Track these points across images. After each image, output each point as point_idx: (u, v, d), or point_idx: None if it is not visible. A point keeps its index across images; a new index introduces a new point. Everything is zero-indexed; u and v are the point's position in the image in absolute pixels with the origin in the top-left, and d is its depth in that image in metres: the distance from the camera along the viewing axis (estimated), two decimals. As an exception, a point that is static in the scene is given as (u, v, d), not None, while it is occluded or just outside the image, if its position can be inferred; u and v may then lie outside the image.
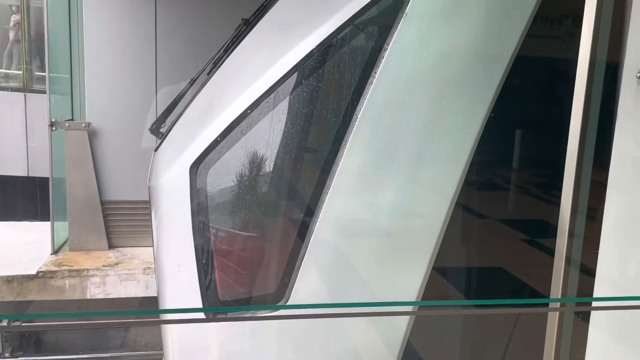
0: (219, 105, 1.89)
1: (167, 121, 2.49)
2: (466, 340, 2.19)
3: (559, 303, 1.50)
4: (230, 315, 1.86)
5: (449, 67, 1.81)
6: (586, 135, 1.50)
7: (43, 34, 5.16)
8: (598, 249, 1.44)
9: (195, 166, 1.77)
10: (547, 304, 1.57)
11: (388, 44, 1.75)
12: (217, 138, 1.76)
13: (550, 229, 1.88)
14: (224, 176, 1.81)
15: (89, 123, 5.31)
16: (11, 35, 8.33)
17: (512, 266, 2.38)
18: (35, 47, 7.94)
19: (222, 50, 2.50)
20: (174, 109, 2.51)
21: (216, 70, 2.25)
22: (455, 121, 1.83)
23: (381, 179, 1.77)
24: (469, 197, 1.94)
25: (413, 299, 1.85)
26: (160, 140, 2.32)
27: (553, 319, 1.52)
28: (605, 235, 1.40)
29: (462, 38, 1.81)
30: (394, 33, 1.76)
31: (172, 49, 5.36)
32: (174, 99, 2.62)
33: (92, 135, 5.34)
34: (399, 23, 1.76)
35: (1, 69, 8.38)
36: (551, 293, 1.53)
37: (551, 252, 1.64)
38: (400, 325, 1.84)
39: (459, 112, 1.84)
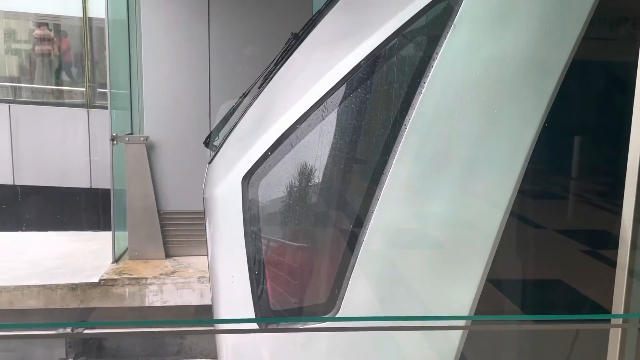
0: (269, 119, 1.93)
1: (220, 134, 2.56)
2: (523, 355, 2.12)
3: (621, 319, 1.44)
4: (281, 325, 1.89)
5: (500, 75, 1.78)
6: (648, 142, 1.44)
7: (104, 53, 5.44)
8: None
9: (247, 178, 1.81)
10: (608, 320, 1.50)
11: (437, 53, 1.74)
12: (268, 150, 1.80)
13: (609, 239, 1.80)
14: (274, 187, 1.85)
15: (147, 137, 5.52)
16: (37, 49, 8.64)
17: (572, 279, 2.28)
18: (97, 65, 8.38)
19: (272, 65, 2.56)
20: (227, 123, 2.59)
21: (267, 84, 2.30)
22: (508, 130, 1.80)
23: (431, 189, 1.76)
24: (524, 206, 1.89)
25: (466, 312, 1.81)
26: (214, 153, 2.40)
27: (615, 335, 1.45)
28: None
29: (514, 45, 1.77)
30: (443, 42, 1.75)
31: (225, 64, 5.51)
32: (227, 113, 2.69)
33: (150, 148, 5.55)
34: (448, 32, 1.74)
35: (68, 86, 8.87)
36: (613, 307, 1.47)
37: (612, 264, 1.57)
38: (453, 340, 1.80)
39: (511, 121, 1.80)
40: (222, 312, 1.87)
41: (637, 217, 1.48)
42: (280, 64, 2.36)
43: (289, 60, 2.26)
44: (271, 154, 1.80)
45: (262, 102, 2.19)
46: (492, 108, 1.78)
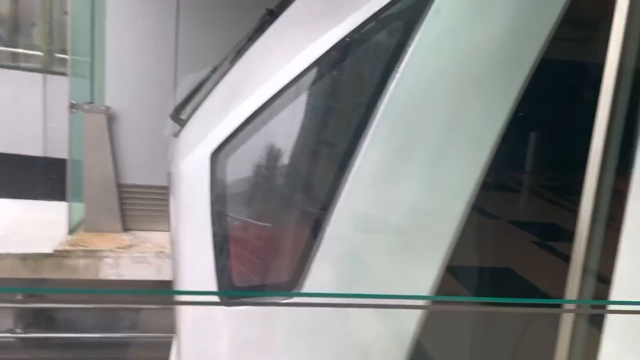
0: (241, 94, 1.90)
1: (188, 107, 2.50)
2: (476, 342, 2.19)
3: (574, 305, 1.50)
4: (243, 300, 1.89)
5: (472, 67, 1.80)
6: (610, 141, 1.49)
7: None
8: (614, 258, 1.43)
9: (216, 154, 1.79)
10: (561, 305, 1.57)
11: (413, 40, 1.74)
12: (238, 127, 1.78)
13: (562, 233, 1.87)
14: (244, 165, 1.83)
15: (109, 107, 5.36)
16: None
17: (522, 268, 2.37)
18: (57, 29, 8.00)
19: (245, 40, 2.51)
20: (195, 96, 2.53)
21: (239, 59, 2.26)
22: (476, 122, 1.83)
23: (400, 175, 1.78)
24: (485, 198, 1.93)
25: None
26: (180, 127, 2.35)
27: (567, 321, 1.52)
28: (625, 243, 1.39)
29: (487, 38, 1.79)
30: (418, 30, 1.75)
31: (195, 35, 5.39)
32: (196, 86, 2.64)
33: (111, 119, 5.40)
34: (424, 20, 1.75)
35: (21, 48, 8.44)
36: (566, 295, 1.53)
37: (560, 255, 1.63)
38: (410, 322, 1.85)
39: (480, 113, 1.83)
40: (183, 288, 1.85)
41: (594, 213, 1.54)
42: (253, 40, 2.32)
43: (263, 36, 2.23)
44: (242, 130, 1.78)
45: (234, 77, 2.15)
46: (462, 99, 1.81)
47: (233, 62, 2.33)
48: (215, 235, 1.77)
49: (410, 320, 1.84)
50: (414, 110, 1.77)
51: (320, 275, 1.75)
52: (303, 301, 1.69)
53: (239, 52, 2.40)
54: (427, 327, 1.84)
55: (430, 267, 1.83)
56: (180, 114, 2.64)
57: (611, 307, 1.41)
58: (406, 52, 1.75)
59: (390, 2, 1.79)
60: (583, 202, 1.57)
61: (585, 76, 2.11)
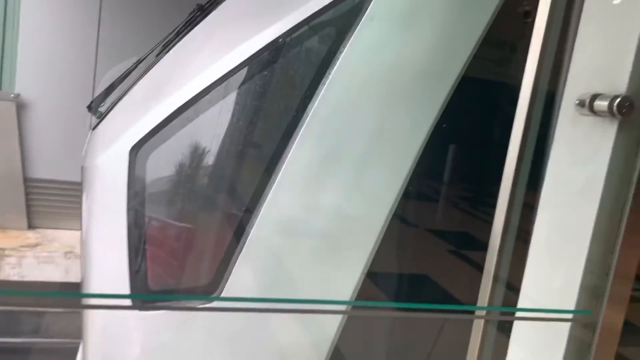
0: (166, 89, 1.83)
1: (107, 100, 2.38)
2: (392, 347, 2.24)
3: (484, 311, 1.57)
4: (157, 304, 1.81)
5: (400, 78, 1.85)
6: (523, 156, 1.57)
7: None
8: (524, 268, 1.51)
9: (136, 149, 1.70)
10: (473, 312, 1.63)
11: (344, 47, 1.76)
12: (161, 122, 1.71)
13: (476, 243, 1.96)
14: (165, 163, 1.76)
15: (18, 94, 5.00)
16: None
17: (438, 275, 2.45)
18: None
19: (173, 34, 2.43)
20: (116, 88, 2.41)
21: (166, 54, 2.18)
22: (401, 131, 1.87)
23: (325, 180, 1.78)
24: (406, 207, 1.98)
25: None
26: (99, 119, 2.22)
27: (477, 328, 1.58)
28: (533, 253, 1.47)
29: (414, 52, 1.85)
30: (350, 37, 1.77)
31: (117, 24, 5.15)
32: (118, 77, 2.51)
33: (21, 107, 5.03)
34: (356, 28, 1.78)
35: None
36: (479, 302, 1.60)
37: (473, 264, 1.70)
38: (329, 328, 1.85)
39: (405, 123, 1.88)
40: (93, 290, 1.74)
41: (506, 224, 1.61)
42: (182, 34, 2.25)
43: (192, 31, 2.16)
44: (166, 126, 1.71)
45: (160, 72, 2.07)
46: (389, 108, 1.85)
47: (159, 55, 2.24)
48: (130, 235, 1.68)
49: (329, 326, 1.85)
50: (342, 116, 1.79)
51: (242, 279, 1.72)
52: (221, 306, 1.64)
53: (166, 46, 2.31)
54: (345, 333, 1.86)
55: (352, 272, 1.85)
56: (99, 106, 2.51)
57: (518, 314, 1.49)
58: (337, 58, 1.76)
59: (324, 7, 1.80)
60: (496, 214, 1.65)
61: (504, 95, 2.22)
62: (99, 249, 1.79)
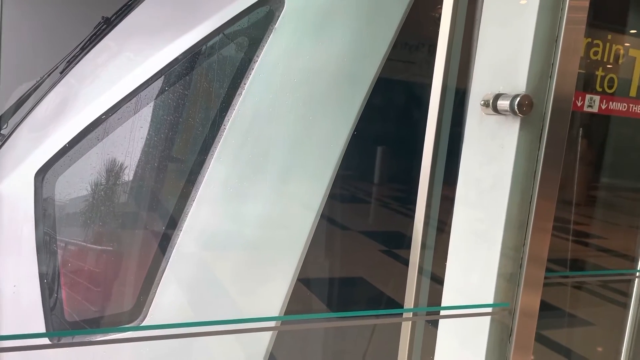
0: (72, 108, 1.74)
1: (9, 122, 2.22)
2: (327, 351, 2.24)
3: (411, 313, 1.60)
4: (77, 338, 1.70)
5: (315, 83, 1.86)
6: (437, 154, 1.63)
7: None
8: (446, 259, 1.56)
9: (42, 173, 1.60)
10: (401, 314, 1.67)
11: (258, 56, 1.74)
12: (68, 143, 1.61)
13: (405, 240, 2.00)
14: (76, 185, 1.66)
15: None
16: None
17: (372, 276, 2.49)
18: None
19: (78, 49, 2.31)
20: (19, 109, 2.26)
21: (71, 70, 2.07)
22: (321, 136, 1.88)
23: (248, 190, 1.76)
24: (333, 209, 2.00)
25: (277, 312, 1.85)
26: (1, 142, 2.07)
27: (406, 327, 1.62)
28: (452, 247, 1.52)
29: (327, 58, 1.87)
30: (264, 46, 1.76)
31: (19, 41, 4.84)
32: (20, 97, 2.35)
33: None
34: (269, 36, 1.77)
35: None
36: (405, 302, 1.63)
37: (404, 262, 1.75)
38: (263, 341, 1.83)
39: (324, 128, 1.89)
40: (4, 329, 1.61)
41: (427, 220, 1.66)
42: (87, 49, 2.14)
43: (98, 45, 2.06)
44: (73, 147, 1.61)
45: (65, 89, 1.96)
46: (307, 115, 1.85)
47: (64, 72, 2.12)
48: (41, 263, 1.57)
49: (263, 338, 1.82)
50: (261, 125, 1.77)
51: (167, 300, 1.65)
52: (146, 335, 1.57)
53: (70, 62, 2.19)
54: (279, 341, 1.84)
55: (283, 281, 1.83)
56: (1, 128, 2.34)
57: (443, 312, 1.53)
58: (252, 67, 1.75)
59: (235, 17, 1.78)
60: (417, 209, 1.69)
61: (418, 94, 2.29)
62: (6, 282, 1.67)
